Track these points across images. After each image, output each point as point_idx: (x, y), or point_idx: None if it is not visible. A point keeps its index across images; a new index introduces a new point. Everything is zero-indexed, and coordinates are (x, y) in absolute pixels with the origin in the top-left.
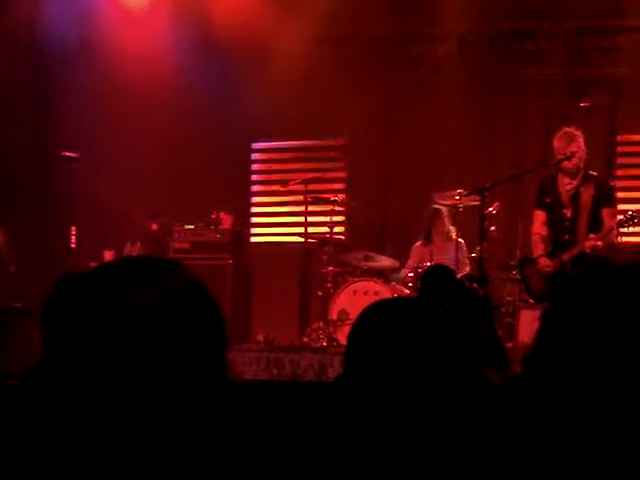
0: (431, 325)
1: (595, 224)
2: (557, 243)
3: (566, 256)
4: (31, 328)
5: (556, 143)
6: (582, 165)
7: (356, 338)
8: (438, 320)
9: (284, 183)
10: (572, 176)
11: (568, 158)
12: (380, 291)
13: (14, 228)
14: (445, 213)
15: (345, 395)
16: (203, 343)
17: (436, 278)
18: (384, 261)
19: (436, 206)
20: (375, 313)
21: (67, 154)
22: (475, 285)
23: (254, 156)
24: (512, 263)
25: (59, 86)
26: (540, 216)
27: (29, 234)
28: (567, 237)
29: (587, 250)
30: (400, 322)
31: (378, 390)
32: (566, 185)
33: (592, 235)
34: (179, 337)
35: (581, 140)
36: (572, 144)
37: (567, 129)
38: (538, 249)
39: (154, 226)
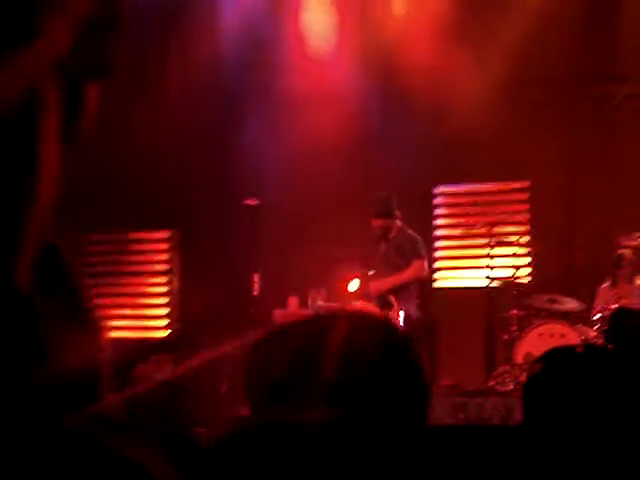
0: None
1: None
2: None
3: None
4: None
5: None
6: None
7: (536, 384)
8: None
9: (468, 227)
10: None
11: None
12: (566, 334)
13: (198, 275)
14: (629, 257)
15: (530, 439)
16: (402, 396)
17: (623, 320)
18: (569, 303)
19: (620, 251)
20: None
21: (249, 202)
22: None
23: (437, 200)
24: None
25: (241, 131)
26: None
27: (213, 282)
28: None
29: None
30: (586, 371)
31: (562, 435)
32: None
33: None
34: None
35: None
36: None
37: None
38: None
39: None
